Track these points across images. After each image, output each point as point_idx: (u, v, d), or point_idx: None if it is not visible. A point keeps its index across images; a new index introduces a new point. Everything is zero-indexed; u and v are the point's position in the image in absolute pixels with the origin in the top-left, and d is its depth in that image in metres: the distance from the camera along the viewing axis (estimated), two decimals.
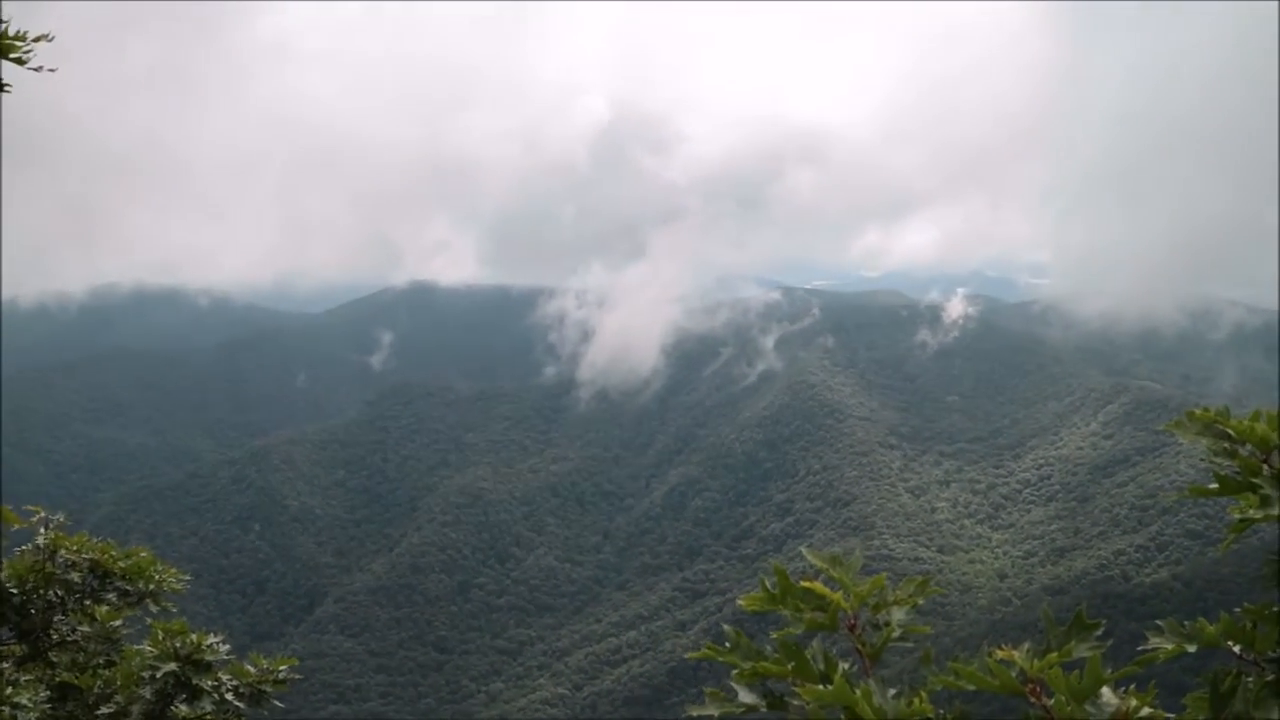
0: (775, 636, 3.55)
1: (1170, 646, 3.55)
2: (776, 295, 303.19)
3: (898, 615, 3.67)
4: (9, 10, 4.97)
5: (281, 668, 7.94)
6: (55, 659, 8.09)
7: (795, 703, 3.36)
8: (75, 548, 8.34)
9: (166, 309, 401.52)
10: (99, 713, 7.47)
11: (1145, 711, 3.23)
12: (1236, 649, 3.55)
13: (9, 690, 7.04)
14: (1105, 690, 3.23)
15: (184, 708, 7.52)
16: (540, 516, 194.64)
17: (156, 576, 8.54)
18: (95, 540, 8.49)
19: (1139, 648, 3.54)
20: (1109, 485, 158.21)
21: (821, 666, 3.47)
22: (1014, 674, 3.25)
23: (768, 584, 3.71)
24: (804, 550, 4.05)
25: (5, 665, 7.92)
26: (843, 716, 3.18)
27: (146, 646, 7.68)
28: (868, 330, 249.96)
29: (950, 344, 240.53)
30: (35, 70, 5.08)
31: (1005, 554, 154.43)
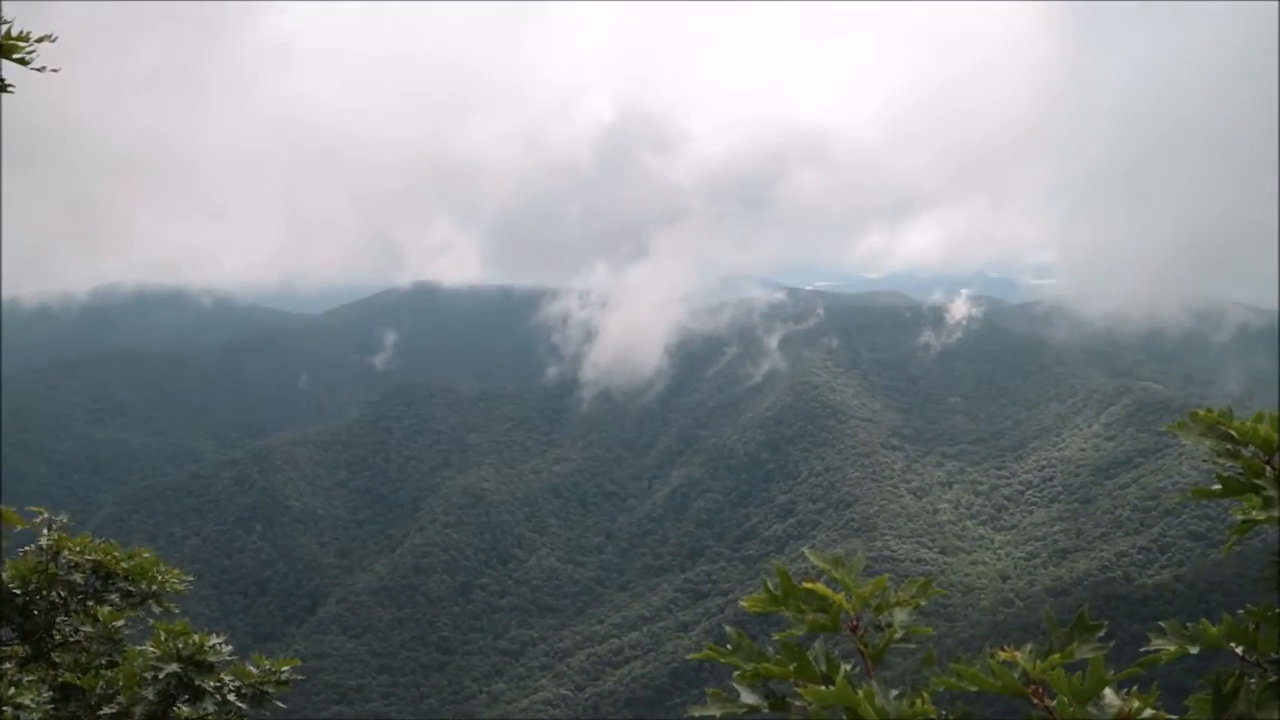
0: (777, 638, 3.56)
1: (1173, 648, 3.55)
2: (781, 295, 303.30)
3: (900, 616, 3.67)
4: (12, 11, 4.97)
5: (284, 669, 7.94)
6: (58, 660, 8.10)
7: (797, 704, 3.36)
8: (78, 549, 8.34)
9: (169, 309, 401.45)
10: (101, 713, 7.47)
11: (1148, 713, 3.23)
12: (1239, 651, 3.55)
13: (12, 691, 7.05)
14: (1108, 691, 3.23)
15: (186, 708, 7.53)
16: (542, 517, 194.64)
17: (159, 577, 8.55)
18: (98, 541, 8.49)
19: (1141, 649, 3.55)
20: (1111, 487, 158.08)
21: (824, 668, 3.47)
22: (1016, 675, 3.25)
23: (770, 585, 3.72)
24: (806, 551, 4.05)
25: (8, 666, 7.92)
26: (845, 717, 3.18)
27: (149, 647, 7.69)
28: (870, 331, 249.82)
29: (953, 345, 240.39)
30: (38, 71, 5.09)
31: (1007, 555, 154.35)
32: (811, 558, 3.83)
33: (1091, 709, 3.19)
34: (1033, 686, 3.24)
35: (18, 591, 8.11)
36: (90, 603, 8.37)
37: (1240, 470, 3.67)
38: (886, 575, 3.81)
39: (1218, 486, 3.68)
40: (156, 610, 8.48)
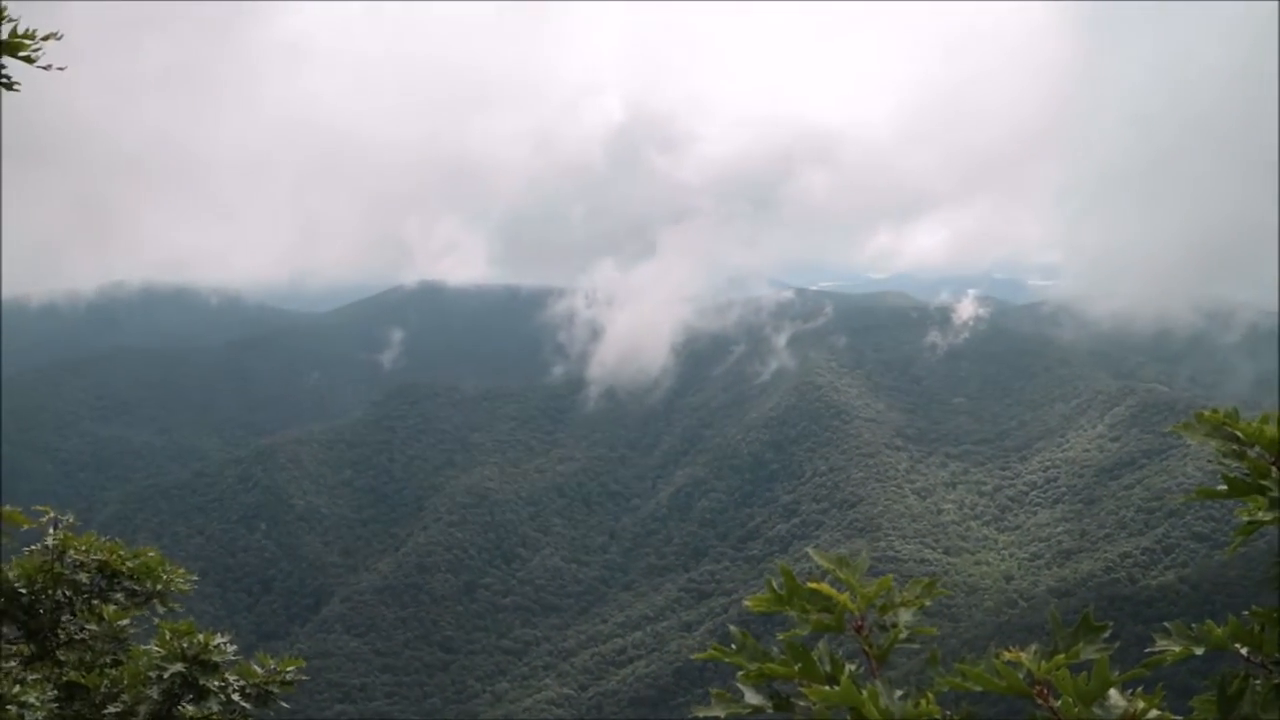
0: (782, 638, 3.56)
1: (1178, 649, 3.54)
2: (789, 295, 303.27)
3: (904, 617, 3.67)
4: (19, 9, 4.99)
5: (289, 669, 7.94)
6: (63, 658, 8.11)
7: (801, 704, 3.36)
8: (84, 548, 8.35)
9: (175, 308, 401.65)
10: (106, 712, 7.49)
11: (1153, 714, 3.23)
12: (1244, 652, 3.54)
13: (17, 689, 7.06)
14: (1113, 692, 3.23)
15: (191, 708, 7.54)
16: (546, 517, 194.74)
17: (164, 577, 8.56)
18: (104, 540, 8.50)
19: (1146, 650, 3.54)
20: (1115, 488, 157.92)
21: (828, 668, 3.47)
22: (1021, 676, 3.25)
23: (774, 585, 3.72)
24: (810, 551, 4.05)
25: (13, 664, 7.94)
26: (849, 718, 3.18)
27: (154, 646, 7.70)
28: (875, 332, 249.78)
29: (958, 346, 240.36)
30: (44, 69, 5.10)
31: (1011, 556, 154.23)
32: (816, 557, 3.83)
33: (1096, 710, 3.19)
34: (1037, 687, 3.24)
35: (23, 590, 8.12)
36: (95, 602, 8.39)
37: (1246, 471, 3.67)
38: (891, 575, 3.81)
39: (1223, 487, 3.68)
40: (161, 610, 8.50)
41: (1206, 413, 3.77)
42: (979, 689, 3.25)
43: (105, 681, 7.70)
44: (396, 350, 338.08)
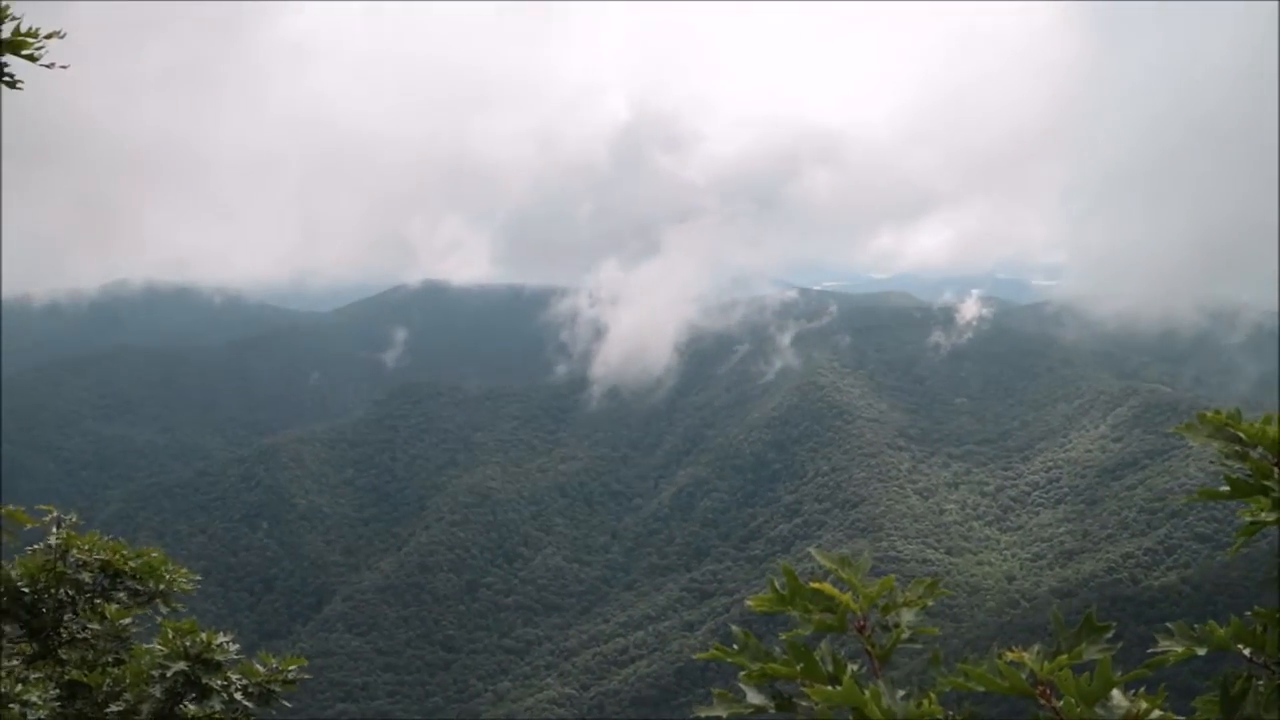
0: (784, 638, 3.56)
1: (1180, 649, 3.54)
2: (793, 294, 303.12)
3: (907, 617, 3.67)
4: (27, 10, 5.00)
5: (291, 668, 7.95)
6: (65, 657, 8.12)
7: (804, 704, 3.36)
8: (86, 547, 8.36)
9: (178, 307, 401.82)
10: (108, 711, 7.49)
11: (1155, 714, 3.23)
12: (1247, 652, 3.54)
13: (19, 688, 7.07)
14: (1115, 693, 3.23)
15: (193, 707, 7.54)
16: (548, 516, 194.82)
17: (167, 576, 8.57)
18: (106, 539, 8.50)
19: (1148, 651, 3.54)
20: (1118, 488, 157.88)
21: (830, 668, 3.47)
22: (1024, 676, 3.25)
23: (776, 585, 3.72)
24: (813, 551, 4.06)
25: (15, 663, 7.95)
26: (851, 718, 3.18)
27: (156, 645, 7.70)
28: (878, 332, 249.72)
29: (961, 346, 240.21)
30: (47, 67, 5.11)
31: (1013, 556, 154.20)
32: (818, 557, 3.83)
33: (1099, 710, 3.19)
34: (1040, 687, 3.24)
35: (26, 589, 8.13)
36: (98, 601, 8.39)
37: (1249, 472, 3.66)
38: (893, 575, 3.81)
39: (1225, 488, 3.67)
40: (164, 609, 8.51)
41: (1209, 414, 3.77)
42: (981, 689, 3.25)
43: (108, 680, 7.70)
44: (399, 349, 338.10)
